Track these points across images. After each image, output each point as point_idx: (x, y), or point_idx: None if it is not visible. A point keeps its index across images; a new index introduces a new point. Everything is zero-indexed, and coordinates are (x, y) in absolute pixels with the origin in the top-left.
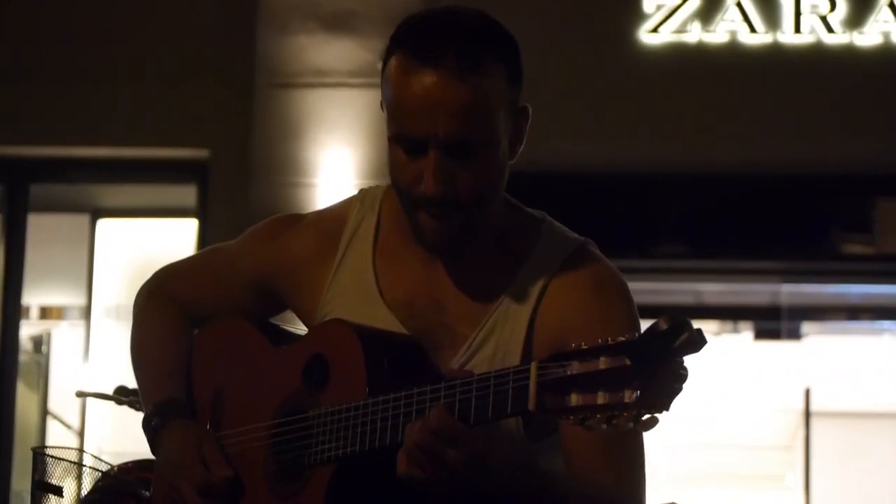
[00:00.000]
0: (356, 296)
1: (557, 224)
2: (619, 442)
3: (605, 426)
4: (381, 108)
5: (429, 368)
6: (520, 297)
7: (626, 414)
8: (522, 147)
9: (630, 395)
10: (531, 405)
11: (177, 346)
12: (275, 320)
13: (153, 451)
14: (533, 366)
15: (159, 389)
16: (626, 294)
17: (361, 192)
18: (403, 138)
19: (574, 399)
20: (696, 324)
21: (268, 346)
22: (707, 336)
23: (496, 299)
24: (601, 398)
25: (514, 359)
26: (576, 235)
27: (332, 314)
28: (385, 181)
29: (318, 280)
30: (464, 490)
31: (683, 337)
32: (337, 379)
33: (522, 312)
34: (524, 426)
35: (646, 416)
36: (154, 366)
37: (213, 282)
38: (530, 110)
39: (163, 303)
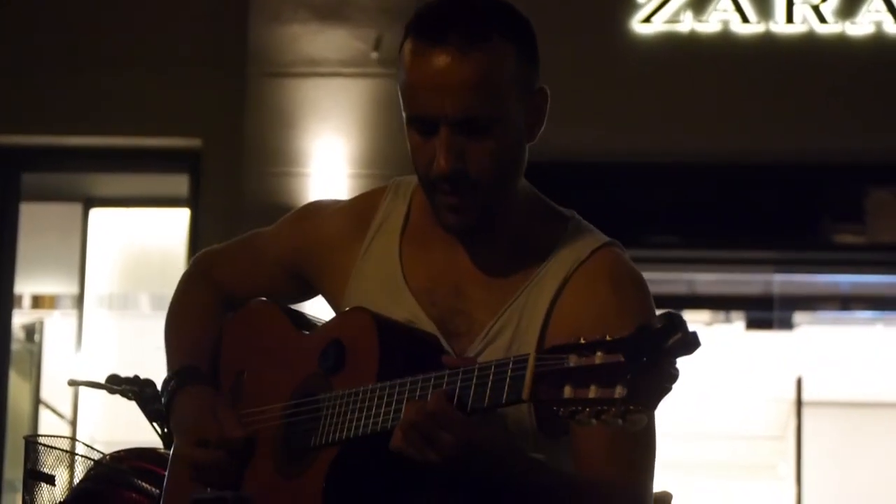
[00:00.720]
0: (381, 282)
1: (585, 222)
2: (627, 438)
3: (593, 421)
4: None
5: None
6: (539, 290)
7: (613, 409)
8: (542, 129)
9: (619, 391)
10: (525, 394)
11: (207, 323)
12: (301, 307)
13: (169, 416)
14: (531, 356)
15: (181, 359)
16: (644, 296)
17: (395, 181)
18: (416, 119)
19: (567, 391)
20: (688, 313)
21: (290, 330)
22: (700, 332)
23: (516, 290)
24: (592, 392)
25: (529, 351)
26: (602, 235)
27: (357, 299)
28: (377, 171)
29: (345, 264)
30: (457, 474)
31: (676, 337)
32: (351, 365)
33: (540, 305)
34: (538, 423)
35: (633, 414)
36: (180, 339)
37: (251, 265)
38: (549, 92)
39: (201, 283)
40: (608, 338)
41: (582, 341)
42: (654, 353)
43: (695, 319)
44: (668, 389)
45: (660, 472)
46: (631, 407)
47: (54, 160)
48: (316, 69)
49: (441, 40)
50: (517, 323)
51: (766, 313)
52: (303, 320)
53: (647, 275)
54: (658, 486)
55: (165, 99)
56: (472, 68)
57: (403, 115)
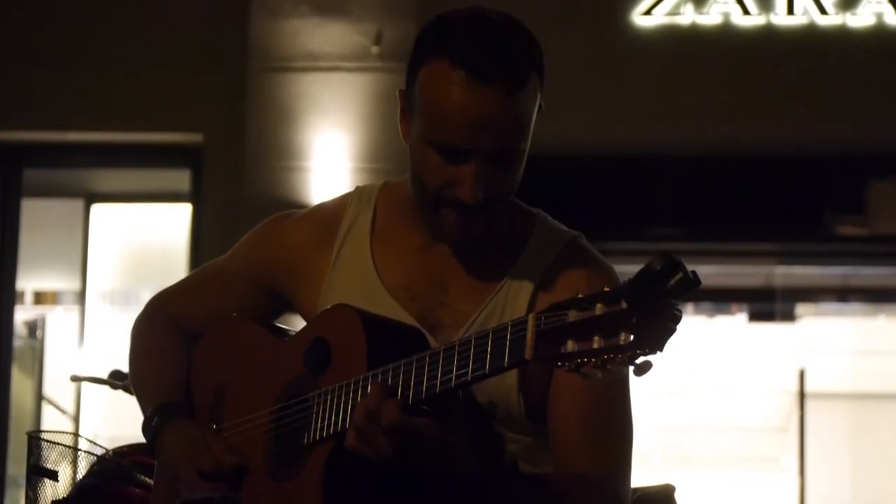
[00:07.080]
0: (357, 285)
1: (551, 218)
2: (606, 418)
3: (599, 373)
4: (399, 97)
5: None
6: (520, 282)
7: (620, 356)
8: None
9: (625, 337)
10: (528, 353)
11: (175, 358)
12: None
13: (153, 452)
14: (531, 317)
15: (158, 396)
16: (616, 283)
17: (357, 188)
18: (441, 144)
19: (570, 346)
20: (690, 306)
21: (268, 338)
22: (702, 325)
23: (497, 281)
24: (597, 343)
25: None
26: (568, 229)
27: (335, 303)
28: (378, 164)
29: (317, 273)
30: (417, 469)
31: (677, 277)
32: (338, 361)
33: (522, 295)
34: (525, 407)
35: (640, 359)
36: (153, 378)
37: (210, 294)
38: (544, 106)
39: (160, 322)
40: (606, 289)
41: (580, 295)
42: (657, 296)
43: (697, 312)
44: (674, 330)
45: (662, 464)
46: (639, 351)
47: (56, 156)
48: (316, 64)
49: (486, 79)
50: (501, 312)
51: (769, 305)
52: (278, 329)
53: None
54: (660, 478)
55: (167, 94)
56: (514, 109)
57: (420, 132)
